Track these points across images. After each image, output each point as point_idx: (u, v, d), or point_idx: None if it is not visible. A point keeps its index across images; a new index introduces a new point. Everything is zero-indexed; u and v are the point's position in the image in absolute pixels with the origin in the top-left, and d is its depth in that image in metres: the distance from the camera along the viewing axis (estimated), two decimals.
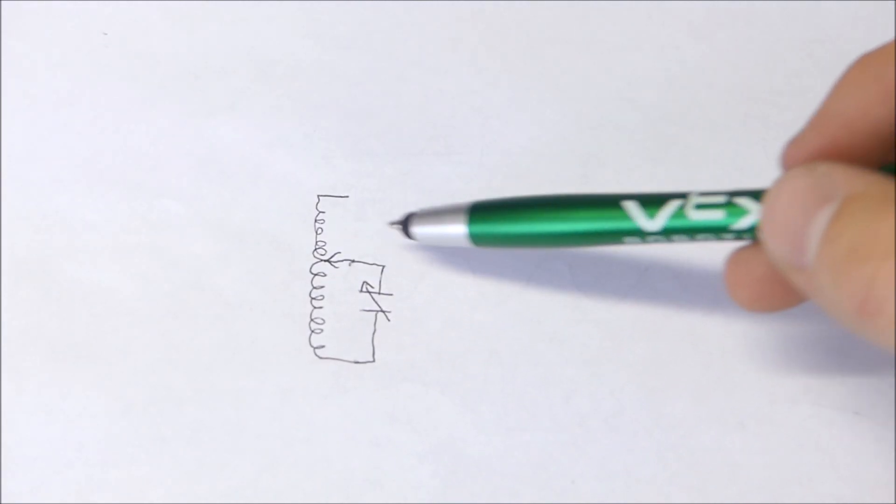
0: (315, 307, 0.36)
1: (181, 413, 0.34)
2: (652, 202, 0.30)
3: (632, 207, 0.30)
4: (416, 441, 0.34)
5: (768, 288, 0.29)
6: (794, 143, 0.29)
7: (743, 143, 0.38)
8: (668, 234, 0.30)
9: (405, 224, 0.35)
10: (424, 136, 0.38)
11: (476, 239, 0.33)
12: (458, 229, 0.33)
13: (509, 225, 0.32)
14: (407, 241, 0.36)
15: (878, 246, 0.23)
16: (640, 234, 0.30)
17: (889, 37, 0.39)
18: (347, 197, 0.37)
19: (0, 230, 0.37)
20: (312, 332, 0.36)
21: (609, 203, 0.31)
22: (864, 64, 0.28)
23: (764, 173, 0.38)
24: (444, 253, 0.37)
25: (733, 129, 0.39)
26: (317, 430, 0.34)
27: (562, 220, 0.31)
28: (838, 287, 0.24)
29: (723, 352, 0.36)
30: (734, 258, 0.30)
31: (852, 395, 0.35)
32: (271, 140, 0.38)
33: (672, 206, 0.29)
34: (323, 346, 0.35)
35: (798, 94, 0.39)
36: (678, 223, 0.29)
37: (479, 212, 0.33)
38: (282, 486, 0.34)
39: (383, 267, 0.36)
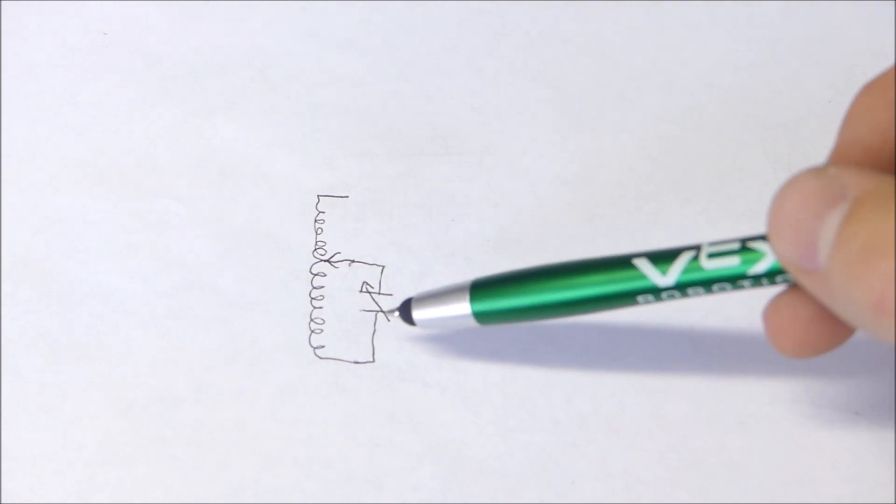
0: (315, 307, 0.36)
1: (181, 413, 0.34)
2: (662, 257, 0.29)
3: (642, 264, 0.29)
4: (416, 441, 0.34)
5: (813, 332, 0.29)
6: None
7: (743, 143, 0.38)
8: (682, 287, 0.29)
9: (404, 309, 0.34)
10: (424, 136, 0.38)
11: (481, 317, 0.32)
12: (461, 309, 0.32)
13: (516, 298, 0.31)
14: (407, 241, 0.36)
15: (893, 243, 0.23)
16: (654, 292, 0.29)
17: (889, 37, 0.39)
18: (347, 197, 0.37)
19: (0, 230, 0.37)
20: (312, 332, 0.36)
21: (618, 263, 0.30)
22: (871, 90, 0.28)
23: (763, 173, 0.38)
24: (443, 254, 0.37)
25: (733, 129, 0.39)
26: (317, 430, 0.34)
27: (571, 288, 0.31)
28: (853, 287, 0.24)
29: (723, 352, 0.36)
30: (773, 307, 0.29)
31: (852, 395, 0.35)
32: (271, 140, 0.38)
33: (684, 258, 0.29)
34: (323, 347, 0.35)
35: (798, 95, 0.39)
36: (693, 276, 0.29)
37: (482, 288, 0.32)
38: (282, 486, 0.34)
39: (383, 267, 0.36)
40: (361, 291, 0.36)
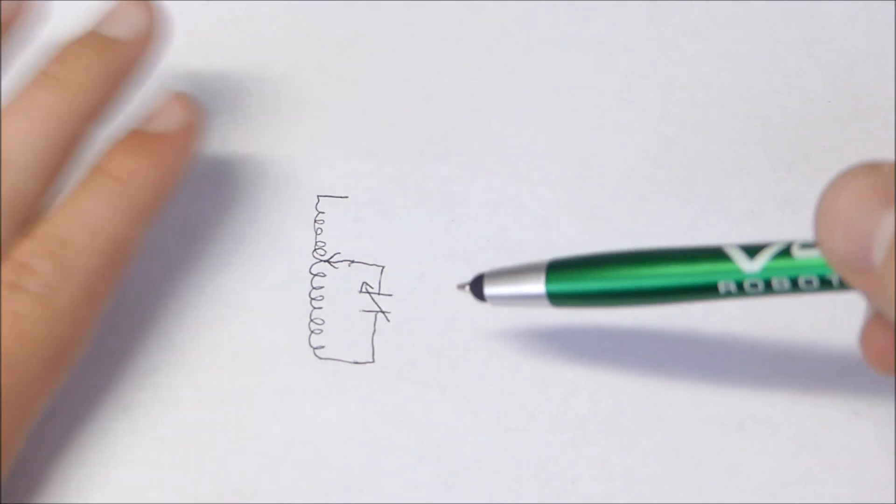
0: (315, 307, 0.36)
1: (181, 413, 0.34)
2: (753, 248, 0.28)
3: (731, 249, 0.28)
4: (416, 441, 0.34)
5: None
6: None
7: (743, 143, 0.38)
8: (768, 275, 0.28)
9: (475, 285, 0.32)
10: (424, 136, 0.38)
11: (555, 299, 0.31)
12: (535, 288, 0.31)
13: (594, 282, 0.30)
14: (407, 241, 0.36)
15: None
16: (738, 276, 0.28)
17: (889, 37, 0.39)
18: (347, 197, 0.37)
19: None
20: (312, 332, 0.36)
21: (705, 251, 0.29)
22: None
23: (763, 174, 0.38)
24: (443, 254, 0.37)
25: (733, 129, 0.39)
26: (317, 430, 0.34)
27: (650, 276, 0.30)
28: None
29: (723, 352, 0.36)
30: (870, 326, 0.29)
31: (852, 395, 0.35)
32: (271, 140, 0.38)
33: (775, 246, 0.28)
34: (323, 347, 0.35)
35: (798, 94, 0.39)
36: (782, 263, 0.28)
37: (559, 269, 0.31)
38: (282, 486, 0.34)
39: (383, 267, 0.36)
40: (361, 292, 0.36)
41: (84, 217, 0.31)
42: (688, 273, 0.29)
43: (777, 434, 0.34)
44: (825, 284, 0.27)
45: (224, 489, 0.34)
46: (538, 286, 0.31)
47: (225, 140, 0.38)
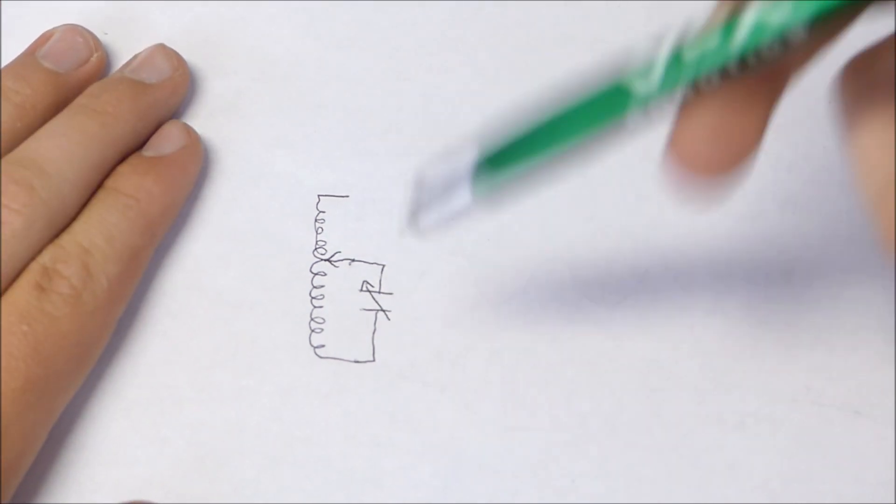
0: (315, 306, 0.36)
1: (181, 413, 0.34)
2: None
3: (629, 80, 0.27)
4: (416, 441, 0.34)
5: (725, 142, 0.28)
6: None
7: None
8: (666, 84, 0.27)
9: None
10: (424, 136, 0.38)
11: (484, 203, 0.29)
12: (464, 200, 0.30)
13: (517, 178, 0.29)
14: (407, 243, 0.36)
15: None
16: (636, 100, 0.27)
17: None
18: (347, 197, 0.37)
19: None
20: (312, 331, 0.36)
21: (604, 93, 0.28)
22: None
23: (763, 174, 0.38)
24: (443, 253, 0.37)
25: None
26: (317, 429, 0.34)
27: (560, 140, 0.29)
28: None
29: (723, 352, 0.36)
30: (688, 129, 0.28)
31: (852, 395, 0.35)
32: (271, 140, 0.38)
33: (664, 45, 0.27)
34: (323, 346, 0.35)
35: (797, 94, 0.39)
36: (674, 68, 0.27)
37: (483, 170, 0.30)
38: (282, 486, 0.34)
39: (383, 266, 0.36)
40: (362, 290, 0.36)
41: (102, 228, 0.34)
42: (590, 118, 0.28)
43: (777, 433, 0.34)
44: (726, 73, 0.26)
45: (224, 489, 0.34)
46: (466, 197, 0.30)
47: (225, 140, 0.38)
